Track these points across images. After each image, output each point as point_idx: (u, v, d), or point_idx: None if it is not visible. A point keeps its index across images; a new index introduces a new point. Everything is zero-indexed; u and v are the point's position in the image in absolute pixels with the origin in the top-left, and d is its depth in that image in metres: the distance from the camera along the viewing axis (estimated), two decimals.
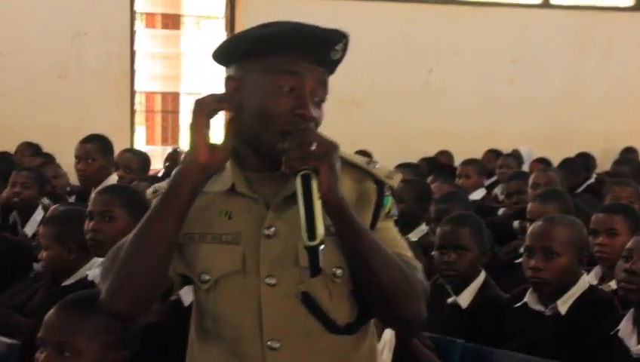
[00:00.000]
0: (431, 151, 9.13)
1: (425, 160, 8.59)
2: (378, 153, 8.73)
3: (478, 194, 7.17)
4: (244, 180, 1.91)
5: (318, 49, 1.91)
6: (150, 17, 9.69)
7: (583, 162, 8.78)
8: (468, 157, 7.66)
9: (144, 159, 6.27)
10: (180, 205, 1.82)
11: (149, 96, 9.85)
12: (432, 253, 3.82)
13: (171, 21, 9.73)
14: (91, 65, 8.80)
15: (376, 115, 9.72)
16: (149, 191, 1.99)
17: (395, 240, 1.94)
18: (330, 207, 1.79)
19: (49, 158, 6.80)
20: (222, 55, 1.97)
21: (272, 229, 1.88)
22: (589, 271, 3.87)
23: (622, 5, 10.45)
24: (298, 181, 1.77)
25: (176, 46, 9.56)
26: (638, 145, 10.20)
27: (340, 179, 1.83)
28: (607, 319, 3.16)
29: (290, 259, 1.86)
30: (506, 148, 9.22)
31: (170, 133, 9.86)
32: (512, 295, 3.58)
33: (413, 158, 8.44)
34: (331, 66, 1.97)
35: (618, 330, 3.04)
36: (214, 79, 9.65)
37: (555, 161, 8.58)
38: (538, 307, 3.39)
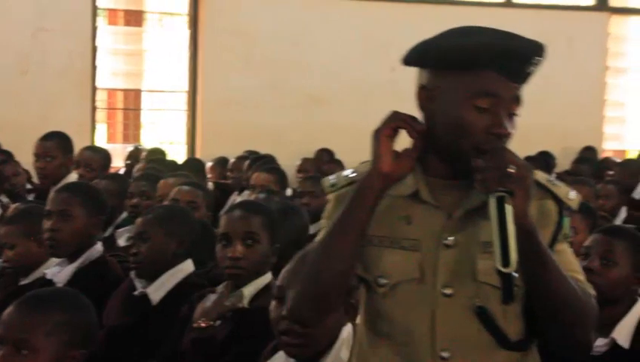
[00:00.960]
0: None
1: None
2: (341, 152, 8.76)
3: None
4: (427, 187, 1.91)
5: (515, 67, 1.89)
6: (112, 14, 9.60)
7: (543, 160, 8.85)
8: None
9: (105, 157, 6.22)
10: (364, 214, 1.85)
11: (111, 93, 9.76)
12: None
13: (134, 18, 9.64)
14: (52, 62, 8.71)
15: (338, 113, 9.72)
16: (327, 184, 2.01)
17: (571, 264, 1.94)
18: (521, 231, 1.79)
19: (8, 156, 6.73)
20: (415, 60, 1.97)
21: (452, 239, 1.88)
22: None
23: (583, 4, 10.53)
24: (492, 202, 1.77)
25: (139, 43, 9.48)
26: (598, 144, 10.31)
27: None
28: None
29: (467, 271, 1.87)
30: None
31: (131, 130, 9.78)
32: None
33: None
34: (526, 79, 1.94)
35: None
36: (177, 77, 9.61)
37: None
38: None
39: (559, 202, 1.93)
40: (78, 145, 6.08)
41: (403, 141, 1.96)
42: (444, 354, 1.88)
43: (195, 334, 2.96)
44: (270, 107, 9.52)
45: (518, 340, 1.91)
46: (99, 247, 3.66)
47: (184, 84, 9.54)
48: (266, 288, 2.99)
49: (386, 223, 1.91)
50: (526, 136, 10.90)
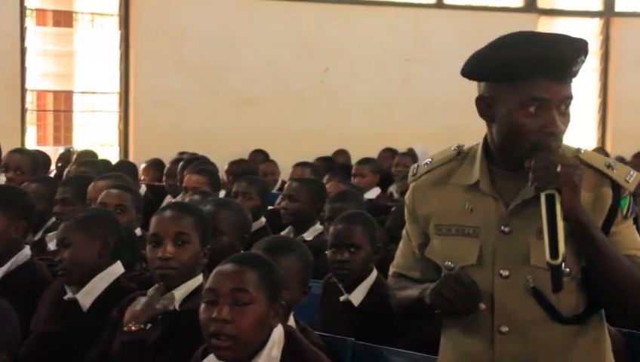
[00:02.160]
0: (328, 151, 9.17)
1: (321, 159, 8.62)
2: (274, 152, 8.74)
3: (373, 193, 7.23)
4: (488, 177, 2.16)
5: (561, 70, 2.10)
6: (41, 14, 9.46)
7: None
8: (365, 157, 7.72)
9: (35, 159, 6.11)
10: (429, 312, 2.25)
11: (41, 94, 9.61)
12: (326, 251, 3.83)
13: (63, 18, 9.52)
14: None
15: (272, 113, 9.71)
16: (410, 173, 2.29)
17: (633, 242, 2.16)
18: (572, 224, 2.04)
19: None
20: (470, 75, 2.20)
21: (509, 227, 2.12)
22: None
23: (512, 6, 10.68)
24: (543, 200, 2.01)
25: (69, 44, 9.37)
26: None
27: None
28: None
29: (522, 256, 2.11)
30: (402, 147, 9.32)
31: (62, 132, 9.66)
32: None
33: (310, 157, 8.46)
34: (574, 75, 2.16)
35: None
36: (108, 78, 9.51)
37: None
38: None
39: (616, 186, 2.14)
40: (8, 147, 5.98)
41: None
42: (503, 329, 2.14)
43: (125, 338, 2.93)
44: (203, 108, 9.48)
45: (573, 315, 2.14)
46: (27, 251, 3.60)
47: (116, 86, 9.44)
48: (197, 290, 2.98)
49: (453, 211, 2.17)
50: (460, 136, 10.99)
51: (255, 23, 9.68)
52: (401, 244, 2.37)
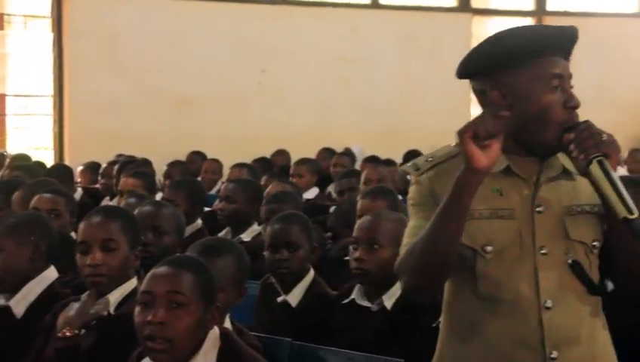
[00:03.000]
0: (267, 151, 9.16)
1: (259, 160, 8.62)
2: (213, 154, 8.71)
3: (311, 193, 7.25)
4: (514, 163, 2.22)
5: (568, 47, 2.24)
6: None
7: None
8: (303, 157, 7.74)
9: None
10: (463, 208, 2.11)
11: None
12: (264, 252, 3.83)
13: None
14: None
15: (209, 114, 9.68)
16: (413, 169, 2.28)
17: None
18: None
19: None
20: (477, 69, 2.25)
21: (541, 207, 2.21)
22: None
23: (446, 5, 10.78)
24: (596, 165, 2.08)
25: (2, 46, 9.24)
26: None
27: None
28: (430, 312, 3.24)
29: (559, 231, 2.21)
30: (340, 147, 9.36)
31: None
32: (340, 292, 3.63)
33: (249, 158, 8.45)
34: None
35: (439, 322, 3.12)
36: (42, 80, 9.39)
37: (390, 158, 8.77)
38: (365, 303, 3.46)
39: None
40: None
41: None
42: (548, 304, 2.20)
43: (59, 344, 2.90)
44: (140, 110, 9.41)
45: (599, 287, 2.25)
46: None
47: (50, 88, 9.33)
48: (132, 294, 2.96)
49: (483, 196, 2.18)
50: (394, 135, 11.16)
51: (191, 24, 9.64)
52: (406, 233, 2.30)
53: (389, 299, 3.40)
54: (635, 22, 11.23)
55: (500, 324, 2.21)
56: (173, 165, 7.67)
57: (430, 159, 2.29)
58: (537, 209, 2.21)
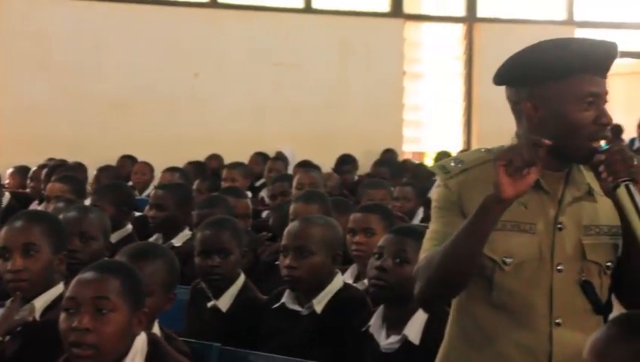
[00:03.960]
0: (200, 156, 9.12)
1: (191, 164, 8.57)
2: (145, 158, 8.63)
3: None
4: (541, 177, 2.22)
5: (604, 66, 2.25)
6: None
7: (348, 163, 9.07)
8: (235, 161, 7.71)
9: None
10: (485, 231, 2.15)
11: None
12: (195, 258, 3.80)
13: None
14: None
15: (142, 118, 9.60)
16: (442, 171, 2.29)
17: None
18: None
19: None
20: (513, 79, 2.27)
21: (562, 224, 2.25)
22: (343, 271, 3.98)
23: (379, 11, 10.84)
24: (623, 189, 2.11)
25: None
26: (398, 147, 10.64)
27: None
28: (359, 316, 3.25)
29: (575, 251, 2.25)
30: (273, 151, 9.36)
31: None
32: (270, 296, 3.63)
33: (182, 163, 8.40)
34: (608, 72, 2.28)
35: (369, 326, 3.14)
36: None
37: (323, 163, 8.79)
38: (295, 307, 3.46)
39: None
40: None
41: None
42: (558, 320, 2.24)
43: None
44: (70, 113, 9.29)
45: (606, 307, 2.30)
46: None
47: None
48: (59, 299, 2.91)
49: (508, 209, 2.18)
50: (328, 139, 11.20)
51: (123, 27, 9.55)
52: (428, 235, 2.31)
53: (319, 303, 3.41)
54: (564, 29, 11.42)
55: (511, 335, 2.25)
56: (103, 170, 7.58)
57: (460, 164, 2.30)
58: (559, 226, 2.25)
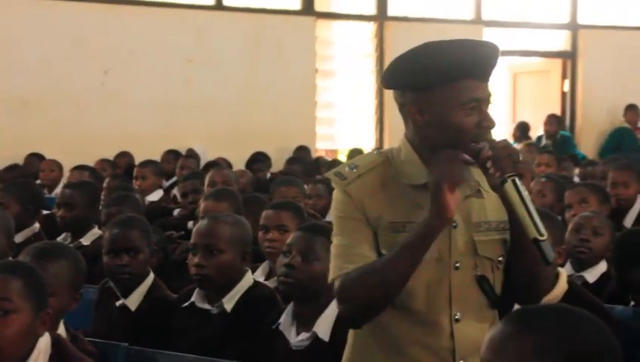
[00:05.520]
0: (110, 153, 9.00)
1: (102, 161, 8.46)
2: (53, 156, 8.49)
3: (155, 196, 7.17)
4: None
5: (485, 70, 2.27)
6: None
7: (260, 161, 9.06)
8: (147, 159, 7.64)
9: None
10: (425, 248, 2.20)
11: None
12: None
13: None
14: None
15: (50, 116, 9.42)
16: (338, 179, 2.30)
17: None
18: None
19: None
20: (398, 84, 2.29)
21: (456, 222, 2.28)
22: (255, 269, 3.98)
23: (290, 9, 10.85)
24: (510, 184, 2.15)
25: None
26: (311, 144, 10.67)
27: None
28: (269, 313, 3.25)
29: (469, 247, 2.30)
30: (184, 148, 9.29)
31: None
32: (180, 295, 3.60)
33: (91, 160, 8.28)
34: (490, 75, 2.30)
35: (279, 324, 3.14)
36: None
37: (236, 160, 8.77)
38: (205, 305, 3.44)
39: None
40: None
41: None
42: (457, 316, 2.30)
43: None
44: None
45: (501, 301, 2.36)
46: None
47: None
48: None
49: (406, 210, 2.27)
50: (243, 137, 11.16)
51: (29, 21, 9.36)
52: (338, 251, 2.30)
53: (229, 302, 3.40)
54: (472, 28, 11.60)
55: (414, 335, 2.29)
56: (9, 169, 7.43)
57: (355, 169, 2.32)
58: (453, 224, 2.28)
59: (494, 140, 2.24)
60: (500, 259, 2.34)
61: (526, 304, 2.31)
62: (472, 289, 2.32)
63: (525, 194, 2.15)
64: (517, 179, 2.16)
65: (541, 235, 2.12)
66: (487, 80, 2.29)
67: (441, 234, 2.24)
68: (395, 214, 2.27)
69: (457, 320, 2.30)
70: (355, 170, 2.31)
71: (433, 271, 2.28)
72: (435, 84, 2.23)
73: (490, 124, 2.26)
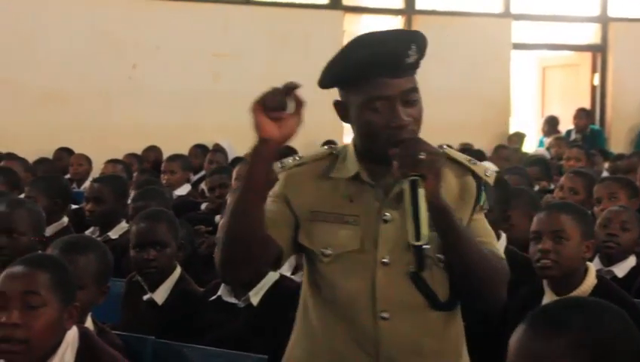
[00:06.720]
0: (138, 148, 9.03)
1: (130, 156, 8.50)
2: (81, 150, 8.53)
3: (183, 190, 7.19)
4: (366, 170, 2.23)
5: (394, 65, 2.17)
6: None
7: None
8: (174, 153, 7.66)
9: None
10: (260, 175, 2.09)
11: None
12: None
13: None
14: None
15: (78, 109, 9.47)
16: (277, 166, 2.27)
17: (485, 230, 2.29)
18: (433, 209, 2.10)
19: None
20: (325, 84, 2.27)
21: (389, 215, 2.20)
22: None
23: (318, 3, 10.84)
24: (406, 185, 2.08)
25: None
26: (338, 138, 10.65)
27: (445, 176, 2.16)
28: (295, 307, 3.24)
29: (402, 242, 2.16)
30: (212, 142, 9.31)
31: None
32: (207, 289, 3.61)
33: (119, 154, 8.31)
34: (412, 67, 2.21)
35: None
36: None
37: None
38: (232, 299, 3.45)
39: (478, 178, 2.28)
40: None
41: None
42: (384, 315, 2.19)
43: None
44: (4, 105, 9.14)
45: (446, 301, 2.23)
46: None
47: None
48: None
49: (332, 201, 2.23)
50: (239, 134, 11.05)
51: (56, 15, 9.42)
52: None
53: (256, 295, 3.40)
54: (501, 21, 11.54)
55: (339, 329, 2.23)
56: (38, 163, 7.48)
57: (298, 158, 2.32)
58: (384, 218, 2.21)
59: (409, 138, 2.14)
60: (440, 256, 2.21)
61: (477, 307, 2.28)
62: (405, 287, 2.20)
63: (420, 196, 2.06)
64: (417, 180, 2.07)
65: (417, 240, 2.07)
66: (400, 74, 2.18)
67: (366, 226, 2.20)
68: (318, 204, 2.24)
69: (385, 319, 2.19)
70: (297, 160, 2.31)
71: (354, 263, 2.21)
72: (344, 84, 2.23)
73: (400, 123, 2.16)
